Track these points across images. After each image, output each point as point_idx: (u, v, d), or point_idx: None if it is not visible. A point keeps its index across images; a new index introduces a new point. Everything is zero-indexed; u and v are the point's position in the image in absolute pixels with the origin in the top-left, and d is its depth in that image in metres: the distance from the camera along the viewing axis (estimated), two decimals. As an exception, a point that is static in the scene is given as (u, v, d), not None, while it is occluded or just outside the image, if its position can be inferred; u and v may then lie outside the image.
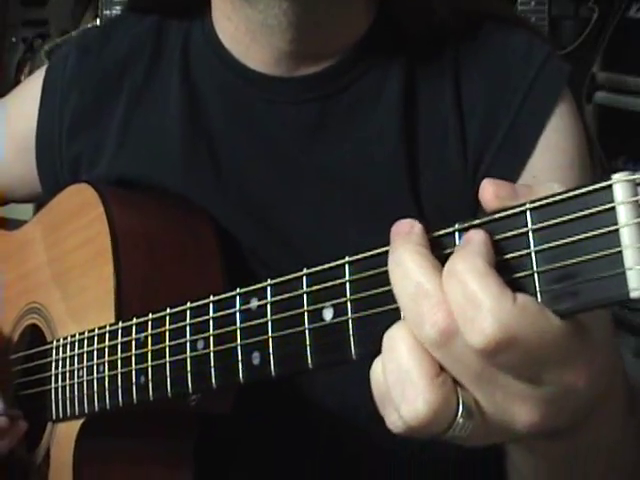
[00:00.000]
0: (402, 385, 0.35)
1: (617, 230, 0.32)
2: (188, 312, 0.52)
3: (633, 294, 0.32)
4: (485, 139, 0.64)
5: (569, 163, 0.63)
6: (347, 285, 0.42)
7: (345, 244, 0.66)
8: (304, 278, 0.44)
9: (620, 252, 0.32)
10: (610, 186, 0.33)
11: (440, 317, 0.34)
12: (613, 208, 0.33)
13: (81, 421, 0.62)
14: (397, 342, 0.36)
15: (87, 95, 0.74)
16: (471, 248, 0.35)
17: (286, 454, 0.65)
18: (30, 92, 0.78)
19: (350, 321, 0.41)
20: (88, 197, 0.66)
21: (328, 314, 0.43)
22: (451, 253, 0.36)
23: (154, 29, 0.73)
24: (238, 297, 0.48)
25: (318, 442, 0.64)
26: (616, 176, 0.33)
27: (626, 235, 0.32)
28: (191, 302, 0.52)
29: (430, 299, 0.35)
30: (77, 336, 0.63)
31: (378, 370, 0.37)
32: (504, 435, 0.37)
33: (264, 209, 0.67)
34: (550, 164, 0.62)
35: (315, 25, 0.64)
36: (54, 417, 0.65)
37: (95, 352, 0.60)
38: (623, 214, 0.32)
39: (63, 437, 0.64)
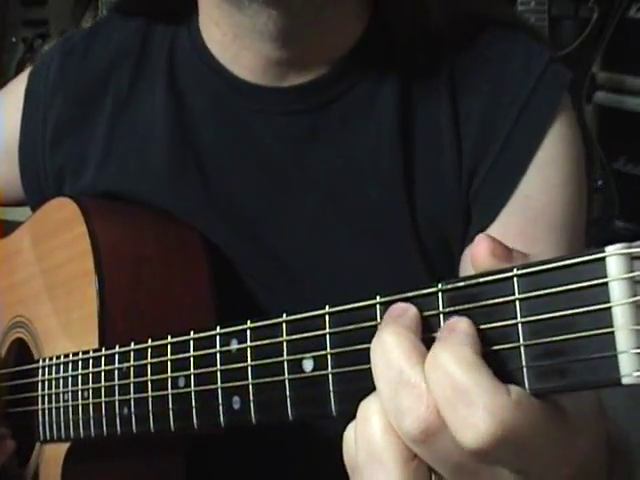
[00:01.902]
0: (372, 465, 0.33)
1: (609, 309, 0.30)
2: (169, 347, 0.50)
3: (625, 380, 0.29)
4: (480, 151, 0.61)
5: (564, 180, 0.60)
6: (327, 337, 0.39)
7: (338, 258, 0.63)
8: (284, 325, 0.42)
9: (612, 332, 0.30)
10: (603, 259, 0.30)
11: (422, 412, 0.32)
12: (606, 284, 0.30)
13: (67, 445, 0.61)
14: (371, 417, 0.34)
15: (70, 102, 0.71)
16: (456, 336, 0.32)
17: (279, 466, 0.64)
18: (13, 98, 0.76)
19: (330, 375, 0.39)
20: (71, 213, 0.64)
21: (308, 365, 0.41)
22: (434, 322, 0.34)
23: (139, 33, 0.70)
24: (218, 337, 0.46)
25: (308, 451, 0.63)
26: (610, 248, 0.30)
27: (619, 315, 0.30)
28: (172, 336, 0.50)
29: (412, 390, 0.32)
30: (62, 358, 0.61)
31: (350, 439, 0.35)
32: None
33: (254, 223, 0.64)
34: (545, 182, 0.60)
35: (305, 33, 0.61)
36: (41, 438, 0.64)
37: (80, 377, 0.59)
38: (617, 291, 0.30)
39: (51, 458, 0.63)
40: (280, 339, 0.42)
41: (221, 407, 0.46)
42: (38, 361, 0.65)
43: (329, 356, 0.39)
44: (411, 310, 0.35)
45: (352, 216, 0.63)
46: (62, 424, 0.60)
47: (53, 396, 0.62)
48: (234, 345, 0.45)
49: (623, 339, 0.29)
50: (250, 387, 0.44)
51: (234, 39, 0.63)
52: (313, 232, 0.63)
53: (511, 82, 0.61)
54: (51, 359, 0.63)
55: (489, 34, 0.63)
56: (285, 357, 0.42)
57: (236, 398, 0.45)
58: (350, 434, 0.35)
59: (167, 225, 0.66)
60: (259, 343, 0.43)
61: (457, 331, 0.33)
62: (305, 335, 0.41)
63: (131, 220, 0.65)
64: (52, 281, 0.66)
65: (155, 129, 0.67)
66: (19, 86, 0.76)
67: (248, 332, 0.44)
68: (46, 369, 0.63)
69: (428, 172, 0.62)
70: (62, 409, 0.61)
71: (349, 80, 0.63)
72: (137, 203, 0.66)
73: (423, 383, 0.32)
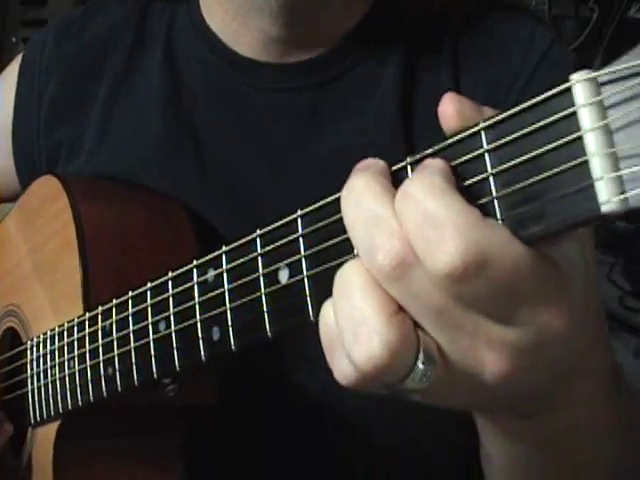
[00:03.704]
0: (355, 325, 0.31)
1: (580, 137, 0.28)
2: (149, 293, 0.49)
3: (604, 208, 0.27)
4: None
5: None
6: (300, 240, 0.38)
7: None
8: (257, 239, 0.40)
9: (586, 162, 0.28)
10: (569, 89, 0.29)
11: (395, 244, 0.30)
12: (574, 113, 0.28)
13: (57, 423, 0.59)
14: (350, 278, 0.32)
15: (66, 82, 0.70)
16: (427, 169, 0.31)
17: (276, 447, 0.61)
18: (9, 80, 0.75)
19: (306, 279, 0.37)
20: (53, 188, 0.63)
21: (284, 275, 0.39)
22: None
23: (138, 11, 0.69)
24: (195, 270, 0.45)
25: (305, 432, 0.60)
26: (574, 76, 0.28)
27: (591, 141, 0.28)
28: (151, 282, 0.49)
29: (383, 226, 0.30)
30: (48, 333, 0.60)
31: (328, 312, 0.33)
32: (469, 390, 0.32)
33: (254, 204, 0.62)
34: None
35: (307, 9, 0.60)
36: (32, 421, 0.61)
37: (65, 347, 0.57)
38: (587, 117, 0.28)
39: (42, 441, 0.61)
40: (254, 254, 0.40)
41: (201, 341, 0.44)
42: (26, 343, 0.63)
43: (303, 260, 0.37)
44: (380, 162, 0.34)
45: None
46: (51, 400, 0.58)
47: (42, 373, 0.60)
48: (211, 273, 0.43)
49: (598, 165, 0.27)
50: (228, 313, 0.42)
51: (235, 16, 0.62)
52: None
53: (514, 62, 0.60)
54: (38, 337, 0.61)
55: (493, 15, 0.62)
56: (261, 272, 0.40)
57: (215, 328, 0.43)
58: (327, 310, 0.33)
59: (151, 197, 0.64)
60: (234, 264, 0.42)
61: (427, 165, 0.31)
62: (278, 244, 0.39)
63: (114, 193, 0.64)
64: (38, 261, 0.65)
65: (151, 108, 0.65)
66: (15, 67, 0.75)
67: (224, 256, 0.42)
68: (34, 348, 0.62)
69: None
70: (50, 384, 0.59)
71: (352, 58, 0.62)
72: (125, 182, 0.65)
73: (394, 219, 0.30)
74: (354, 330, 0.30)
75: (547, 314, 0.31)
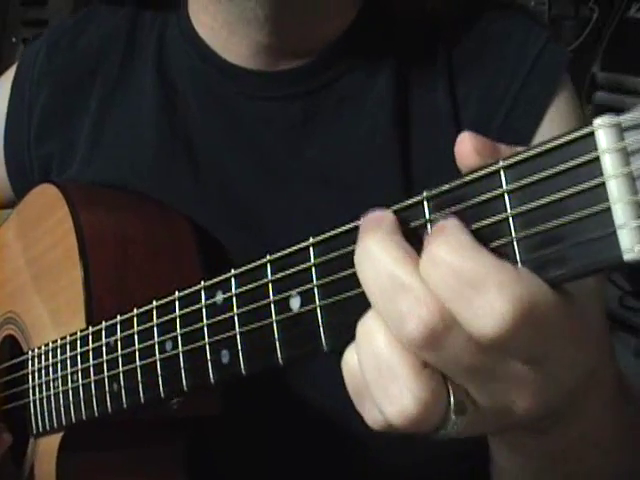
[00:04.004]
0: (384, 380, 0.30)
1: (603, 183, 0.28)
2: (155, 311, 0.48)
3: (627, 257, 0.27)
4: (480, 130, 0.58)
5: None
6: (313, 269, 0.37)
7: None
8: (268, 265, 0.40)
9: (609, 208, 0.28)
10: (592, 133, 0.28)
11: (425, 314, 0.29)
12: (597, 158, 0.28)
13: (61, 435, 0.58)
14: (374, 333, 0.31)
15: (57, 93, 0.70)
16: (447, 230, 0.30)
17: (280, 456, 0.61)
18: (3, 87, 0.74)
19: (319, 309, 0.37)
20: (52, 197, 0.62)
21: (295, 303, 0.38)
22: (421, 232, 0.32)
23: (128, 21, 0.69)
24: (203, 291, 0.44)
25: (311, 440, 0.60)
26: (598, 121, 0.28)
27: (614, 187, 0.28)
28: (157, 300, 0.48)
29: (409, 294, 0.29)
30: (50, 345, 0.59)
31: (352, 362, 0.33)
32: (496, 422, 0.33)
33: (248, 213, 0.62)
34: None
35: (294, 18, 0.59)
36: (34, 431, 0.61)
37: (68, 360, 0.56)
38: (609, 163, 0.28)
39: (45, 452, 0.61)
40: (265, 280, 0.40)
41: (210, 363, 0.44)
42: (27, 353, 0.63)
43: (315, 289, 0.37)
44: (388, 215, 0.33)
45: (348, 200, 0.60)
46: (54, 412, 0.58)
47: (44, 385, 0.60)
48: (219, 296, 0.43)
49: (621, 212, 0.27)
50: (238, 337, 0.42)
51: (223, 25, 0.62)
52: (308, 218, 0.61)
53: (509, 63, 0.59)
54: (40, 348, 0.61)
55: (487, 15, 0.62)
56: (271, 298, 0.39)
57: (225, 352, 0.43)
58: (351, 356, 0.33)
59: (152, 206, 0.64)
60: (244, 289, 0.41)
61: (447, 226, 0.30)
62: (290, 272, 0.39)
63: (114, 202, 0.64)
64: (38, 270, 0.64)
65: (144, 118, 0.65)
66: (10, 75, 0.74)
67: (232, 280, 0.42)
68: (35, 359, 0.61)
69: (426, 156, 0.60)
70: (53, 397, 0.58)
71: (343, 64, 0.61)
72: (125, 190, 0.64)
73: (419, 284, 0.29)
74: (383, 385, 0.30)
75: (573, 348, 0.31)
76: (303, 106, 0.61)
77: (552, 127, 0.59)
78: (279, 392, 0.60)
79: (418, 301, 0.29)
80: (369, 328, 0.32)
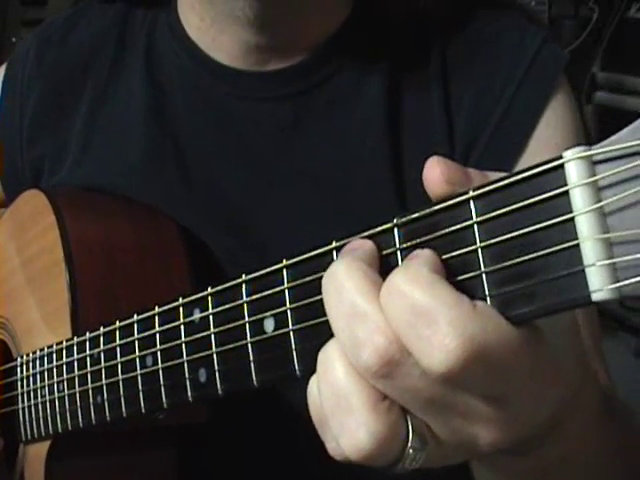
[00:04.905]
0: (340, 413, 0.30)
1: (572, 219, 0.27)
2: (135, 325, 0.48)
3: (595, 296, 0.26)
4: (473, 133, 0.57)
5: None
6: (286, 292, 0.37)
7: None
8: (243, 286, 0.39)
9: (577, 245, 0.27)
10: (562, 166, 0.27)
11: (381, 342, 0.28)
12: (567, 192, 0.27)
13: (49, 442, 0.58)
14: (333, 362, 0.31)
15: (48, 93, 0.69)
16: (414, 261, 0.29)
17: (271, 460, 0.61)
18: None
19: (292, 333, 0.36)
20: (40, 204, 0.62)
21: (269, 325, 0.38)
22: (392, 260, 0.31)
23: (118, 20, 0.68)
24: (181, 308, 0.44)
25: (301, 445, 0.60)
26: (568, 153, 0.27)
27: (583, 224, 0.27)
28: (138, 314, 0.48)
29: (367, 322, 0.29)
30: (38, 352, 0.59)
31: (314, 391, 0.32)
32: (463, 456, 0.32)
33: (237, 214, 0.61)
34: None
35: (283, 18, 0.58)
36: (23, 438, 0.61)
37: (55, 369, 0.56)
38: (579, 199, 0.27)
39: (34, 458, 0.61)
40: (240, 301, 0.39)
41: (188, 381, 0.43)
42: (17, 359, 0.63)
43: (289, 312, 0.36)
44: (367, 244, 0.32)
45: (338, 203, 0.60)
46: (41, 420, 0.58)
47: (32, 393, 0.60)
48: (196, 315, 0.42)
49: (589, 251, 0.26)
50: (215, 356, 0.41)
51: (212, 24, 0.61)
52: (298, 220, 0.60)
53: (504, 64, 0.58)
54: (28, 355, 0.61)
55: (481, 15, 0.60)
56: (246, 319, 0.39)
57: (202, 370, 0.42)
58: (313, 388, 0.32)
59: (140, 211, 0.63)
60: (220, 309, 0.41)
61: (414, 257, 0.30)
62: (264, 294, 0.38)
63: (102, 208, 0.63)
64: (27, 277, 0.64)
65: (134, 119, 0.64)
66: (0, 75, 0.74)
67: (209, 298, 0.41)
68: (24, 366, 0.61)
69: (418, 157, 0.58)
70: (40, 405, 0.58)
71: (334, 64, 0.60)
72: (114, 194, 0.64)
73: (379, 314, 0.29)
74: (339, 417, 0.29)
75: (539, 384, 0.30)
76: (293, 107, 0.60)
77: (548, 130, 0.57)
78: (270, 397, 0.60)
79: (375, 329, 0.29)
80: (329, 355, 0.31)
